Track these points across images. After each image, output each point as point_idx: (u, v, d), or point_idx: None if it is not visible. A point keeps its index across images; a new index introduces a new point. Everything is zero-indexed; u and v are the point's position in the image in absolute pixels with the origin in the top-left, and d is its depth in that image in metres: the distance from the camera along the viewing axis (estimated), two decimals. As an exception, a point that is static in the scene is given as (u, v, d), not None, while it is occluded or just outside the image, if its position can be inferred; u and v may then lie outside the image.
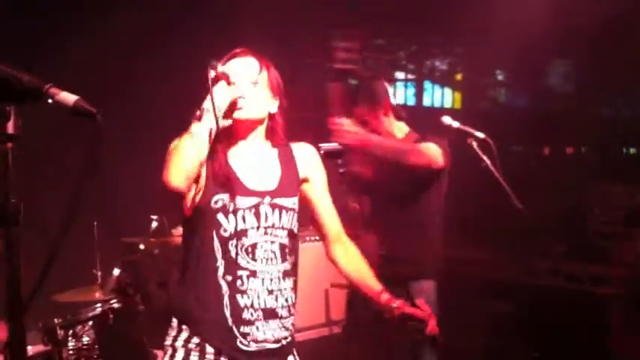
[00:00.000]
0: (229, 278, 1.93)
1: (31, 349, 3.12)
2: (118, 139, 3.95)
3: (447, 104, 8.88)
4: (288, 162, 2.11)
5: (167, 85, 4.62)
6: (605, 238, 5.60)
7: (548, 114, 7.75)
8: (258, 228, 1.96)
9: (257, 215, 1.97)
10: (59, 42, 4.32)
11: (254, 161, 2.04)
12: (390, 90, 3.36)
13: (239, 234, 1.94)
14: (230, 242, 1.94)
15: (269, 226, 1.98)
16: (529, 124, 7.35)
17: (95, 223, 3.65)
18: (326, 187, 2.23)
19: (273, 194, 2.01)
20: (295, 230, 2.05)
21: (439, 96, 8.81)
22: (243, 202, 1.96)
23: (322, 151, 2.62)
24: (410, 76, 8.35)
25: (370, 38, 6.81)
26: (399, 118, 3.34)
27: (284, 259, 2.00)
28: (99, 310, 3.22)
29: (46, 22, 4.38)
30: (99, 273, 3.61)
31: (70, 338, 3.16)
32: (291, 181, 2.08)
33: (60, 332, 3.14)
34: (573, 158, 8.45)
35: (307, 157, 2.17)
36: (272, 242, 1.98)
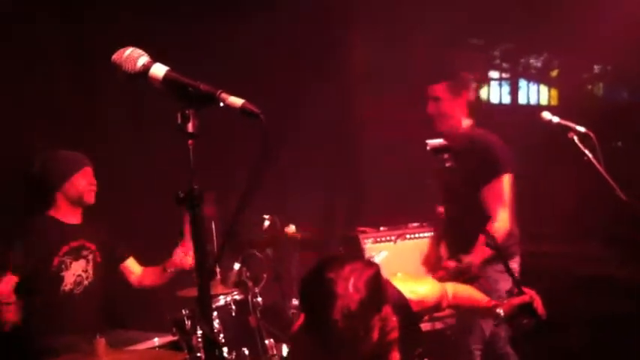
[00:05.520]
0: None
1: (158, 340, 3.41)
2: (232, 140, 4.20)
3: (543, 101, 8.76)
4: None
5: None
6: None
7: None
8: None
9: None
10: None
11: None
12: (474, 87, 3.43)
13: None
14: None
15: None
16: (629, 119, 7.13)
17: (213, 222, 3.93)
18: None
19: None
20: None
21: (534, 93, 8.71)
22: None
23: (429, 147, 2.78)
24: (504, 75, 8.31)
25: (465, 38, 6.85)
26: (470, 115, 3.42)
27: None
28: (222, 301, 3.47)
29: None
30: (218, 269, 3.87)
31: (198, 327, 3.42)
32: None
33: (187, 322, 3.42)
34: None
35: None
36: None
